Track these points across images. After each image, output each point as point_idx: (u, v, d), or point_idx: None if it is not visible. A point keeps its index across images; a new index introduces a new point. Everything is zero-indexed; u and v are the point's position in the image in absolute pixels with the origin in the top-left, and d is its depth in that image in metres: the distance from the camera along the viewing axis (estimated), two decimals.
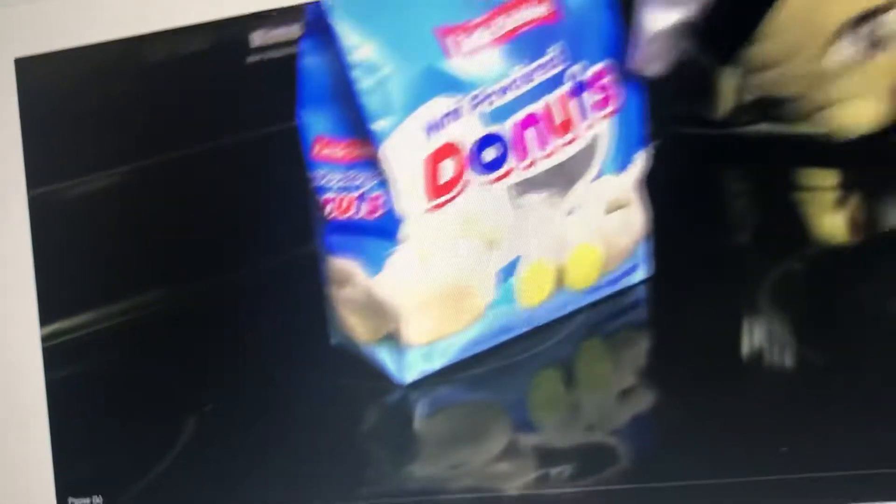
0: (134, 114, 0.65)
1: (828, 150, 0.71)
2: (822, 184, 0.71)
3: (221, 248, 0.65)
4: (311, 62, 0.53)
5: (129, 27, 0.64)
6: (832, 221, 0.65)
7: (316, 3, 0.50)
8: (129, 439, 0.61)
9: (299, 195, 0.56)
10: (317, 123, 0.54)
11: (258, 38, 0.63)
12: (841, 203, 0.66)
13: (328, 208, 0.54)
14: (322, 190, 0.54)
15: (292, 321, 0.62)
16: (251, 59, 0.63)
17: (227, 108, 0.65)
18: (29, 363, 0.63)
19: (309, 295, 0.59)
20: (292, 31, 0.60)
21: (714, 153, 0.64)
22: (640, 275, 0.60)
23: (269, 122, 0.61)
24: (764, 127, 0.80)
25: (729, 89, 0.78)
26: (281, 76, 0.56)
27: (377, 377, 0.56)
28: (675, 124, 0.63)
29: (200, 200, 0.65)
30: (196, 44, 0.64)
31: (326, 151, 0.54)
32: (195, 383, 0.62)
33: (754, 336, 0.56)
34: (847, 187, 0.66)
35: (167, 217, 0.65)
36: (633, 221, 0.58)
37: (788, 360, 0.54)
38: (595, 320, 0.59)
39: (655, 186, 0.60)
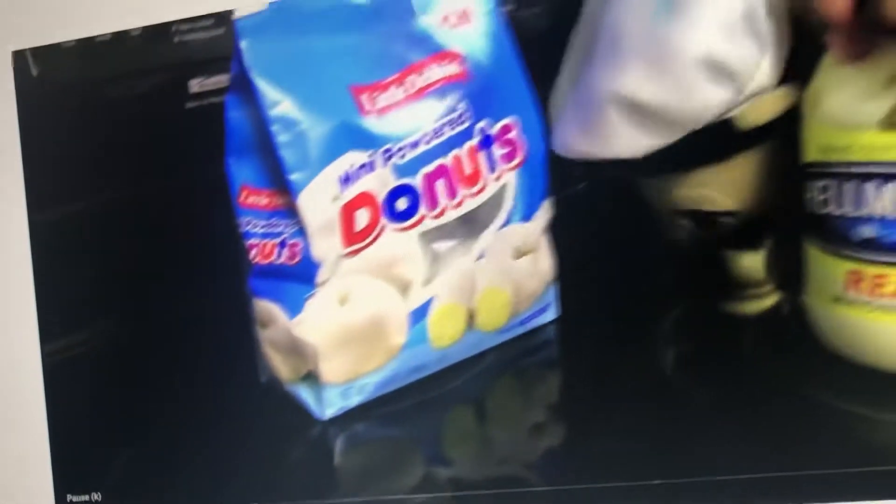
0: (86, 151, 0.69)
1: None
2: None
3: (166, 285, 0.67)
4: (236, 115, 0.56)
5: (126, 20, 0.67)
6: (751, 260, 0.69)
7: (238, 60, 0.53)
8: (125, 438, 0.64)
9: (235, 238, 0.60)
10: (242, 172, 0.57)
11: (196, 85, 0.66)
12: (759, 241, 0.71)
13: (253, 253, 0.57)
14: (247, 235, 0.57)
15: (228, 359, 0.65)
16: (190, 104, 0.67)
17: (169, 150, 0.68)
18: (28, 361, 0.66)
19: (244, 334, 0.62)
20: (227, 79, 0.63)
21: (627, 196, 0.69)
22: (550, 316, 0.64)
23: (208, 165, 0.64)
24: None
25: None
26: (218, 122, 0.58)
27: (300, 413, 0.59)
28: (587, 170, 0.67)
29: (143, 238, 0.68)
30: (141, 87, 0.67)
31: (251, 199, 0.57)
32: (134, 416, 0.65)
33: (654, 371, 0.59)
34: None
35: (110, 253, 0.68)
36: (541, 266, 0.62)
37: (683, 394, 0.58)
38: (506, 359, 0.62)
39: (565, 231, 0.64)
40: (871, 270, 0.51)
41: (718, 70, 0.54)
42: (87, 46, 0.68)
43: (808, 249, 0.54)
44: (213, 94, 0.66)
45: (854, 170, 0.50)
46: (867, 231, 0.50)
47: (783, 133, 0.55)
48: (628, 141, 0.57)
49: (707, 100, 0.55)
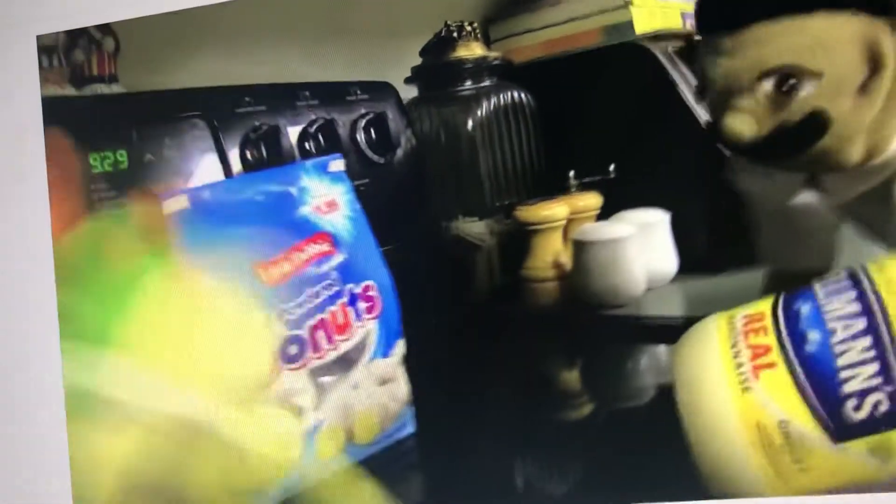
0: None
1: (559, 324, 0.98)
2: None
3: None
4: None
5: (151, 5, 0.78)
6: (569, 376, 0.92)
7: None
8: None
9: None
10: None
11: None
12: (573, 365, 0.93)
13: None
14: None
15: None
16: None
17: None
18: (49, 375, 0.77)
19: None
20: None
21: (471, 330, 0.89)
22: (408, 430, 0.82)
23: None
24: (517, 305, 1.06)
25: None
26: None
27: None
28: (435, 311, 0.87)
29: None
30: None
31: None
32: None
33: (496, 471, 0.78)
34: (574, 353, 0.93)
35: None
36: (399, 392, 0.80)
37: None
38: (377, 465, 0.79)
39: (418, 363, 0.83)
40: None
41: None
42: None
43: None
44: None
45: None
46: None
47: None
48: None
49: None
